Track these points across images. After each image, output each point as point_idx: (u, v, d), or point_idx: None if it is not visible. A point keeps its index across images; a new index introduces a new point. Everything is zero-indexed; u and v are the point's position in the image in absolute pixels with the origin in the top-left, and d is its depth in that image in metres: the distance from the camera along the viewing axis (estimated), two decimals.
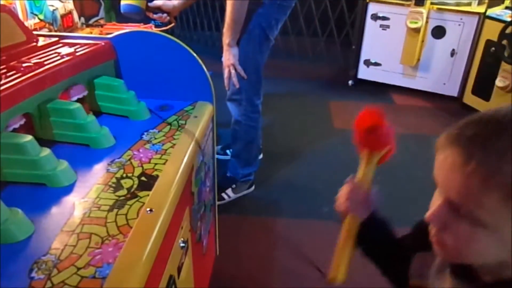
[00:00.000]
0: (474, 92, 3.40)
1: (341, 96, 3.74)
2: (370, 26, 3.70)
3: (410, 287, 0.72)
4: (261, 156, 2.57)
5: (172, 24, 2.08)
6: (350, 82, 3.94)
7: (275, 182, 2.40)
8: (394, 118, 3.32)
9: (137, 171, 0.96)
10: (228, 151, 2.49)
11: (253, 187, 2.29)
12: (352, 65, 3.90)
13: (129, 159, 1.01)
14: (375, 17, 3.65)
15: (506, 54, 3.01)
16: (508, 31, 2.98)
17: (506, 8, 3.29)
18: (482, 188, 0.50)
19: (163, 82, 1.36)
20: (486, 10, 3.29)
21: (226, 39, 1.85)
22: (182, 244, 0.99)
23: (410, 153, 2.51)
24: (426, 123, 3.23)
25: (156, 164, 1.00)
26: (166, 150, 1.07)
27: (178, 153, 1.06)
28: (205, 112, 1.30)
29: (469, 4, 3.43)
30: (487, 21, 3.25)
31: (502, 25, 3.02)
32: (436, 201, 0.58)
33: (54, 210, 0.83)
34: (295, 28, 4.50)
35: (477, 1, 3.44)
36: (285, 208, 2.18)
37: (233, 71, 1.91)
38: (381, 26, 3.65)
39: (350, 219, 0.81)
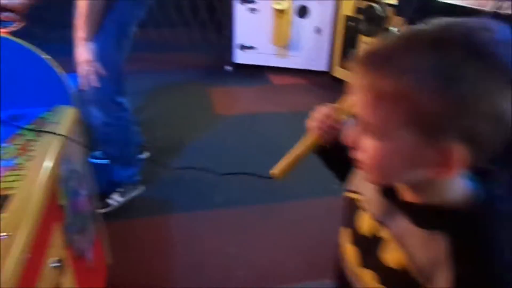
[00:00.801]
0: (341, 65, 3.68)
1: (220, 82, 3.76)
2: (240, 11, 3.75)
3: (348, 198, 0.76)
4: (147, 155, 2.47)
5: (21, 24, 1.87)
6: (227, 67, 3.98)
7: (165, 178, 2.33)
8: (273, 98, 3.45)
9: None
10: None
11: (142, 188, 2.19)
12: (227, 51, 3.93)
13: None
14: (242, 0, 3.71)
15: (362, 27, 3.29)
16: (362, 6, 3.26)
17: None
18: (375, 98, 0.52)
19: (14, 90, 1.21)
20: None
21: (80, 33, 1.71)
22: (54, 264, 0.90)
23: (291, 129, 2.62)
24: (303, 99, 3.40)
25: (9, 181, 0.89)
26: (20, 164, 0.95)
27: (36, 165, 0.96)
28: (67, 116, 1.20)
29: None
30: None
31: (357, 0, 3.30)
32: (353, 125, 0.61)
33: None
34: (167, 19, 4.39)
35: None
36: (177, 203, 2.14)
37: (90, 69, 1.78)
38: (249, 9, 3.73)
39: (313, 138, 0.84)
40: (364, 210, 0.71)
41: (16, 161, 0.96)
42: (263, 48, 3.87)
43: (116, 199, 2.08)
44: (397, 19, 2.88)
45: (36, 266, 0.80)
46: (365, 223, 0.70)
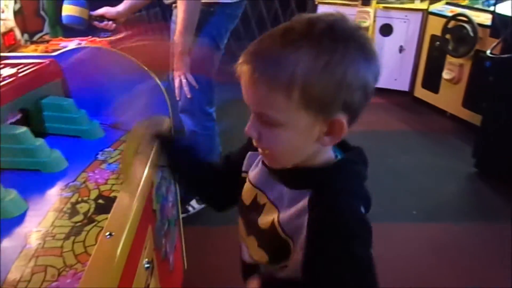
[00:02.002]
0: (424, 85, 3.53)
1: None
2: None
3: (241, 178, 0.81)
4: None
5: (119, 34, 2.03)
6: None
7: None
8: None
9: (93, 194, 0.92)
10: None
11: None
12: None
13: (84, 182, 0.97)
14: None
15: (450, 47, 3.14)
16: (450, 25, 3.12)
17: (447, 3, 3.44)
18: (267, 92, 0.59)
19: (115, 98, 1.32)
20: (428, 7, 3.43)
21: (177, 47, 1.82)
22: (146, 265, 0.95)
23: (368, 150, 2.55)
24: (381, 119, 3.31)
25: (113, 184, 0.96)
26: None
27: (136, 171, 1.02)
28: (162, 126, 1.27)
29: (412, 1, 3.57)
30: (430, 16, 3.38)
31: (444, 20, 3.16)
32: (250, 119, 0.67)
33: (5, 243, 0.78)
34: (248, 33, 4.51)
35: None
36: None
37: (184, 80, 1.88)
38: None
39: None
40: (246, 183, 0.79)
41: (119, 165, 1.04)
42: None
43: (193, 205, 2.16)
44: (490, 40, 2.71)
45: (133, 266, 0.86)
46: (248, 193, 0.78)
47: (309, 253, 0.61)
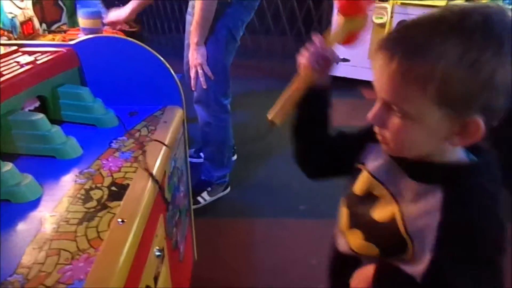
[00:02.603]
0: None
1: None
2: (337, 23, 3.73)
3: (356, 169, 0.78)
4: (235, 157, 2.56)
5: (135, 29, 2.06)
6: None
7: (251, 182, 2.39)
8: (364, 112, 3.35)
9: (107, 181, 0.94)
10: (201, 154, 2.46)
11: (228, 189, 2.27)
12: None
13: (98, 169, 0.98)
14: None
15: None
16: None
17: (467, 1, 3.38)
18: (403, 84, 0.57)
19: (131, 88, 1.33)
20: (447, 3, 3.37)
21: (194, 38, 1.83)
22: (157, 253, 0.96)
23: None
24: None
25: (126, 172, 0.97)
26: (136, 157, 1.04)
27: (149, 160, 1.03)
28: (175, 116, 1.28)
29: None
30: None
31: None
32: (376, 105, 0.65)
33: (20, 226, 0.80)
34: (263, 27, 4.51)
35: None
36: (262, 208, 2.18)
37: (200, 71, 1.89)
38: None
39: (304, 75, 0.82)
40: (364, 172, 0.75)
41: (132, 154, 1.05)
42: (357, 61, 3.80)
43: (204, 197, 2.18)
44: None
45: (144, 253, 0.87)
46: (360, 184, 0.75)
47: (442, 259, 0.59)
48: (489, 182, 0.63)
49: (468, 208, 0.60)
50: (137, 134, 1.16)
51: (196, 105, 2.06)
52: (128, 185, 0.92)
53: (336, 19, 0.95)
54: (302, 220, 2.09)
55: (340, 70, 3.90)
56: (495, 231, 0.59)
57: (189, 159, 2.43)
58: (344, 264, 0.79)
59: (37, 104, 1.17)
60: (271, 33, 4.58)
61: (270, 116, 0.84)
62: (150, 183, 0.94)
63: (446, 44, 0.54)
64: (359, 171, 0.77)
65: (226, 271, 1.78)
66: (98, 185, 0.92)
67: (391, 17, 3.49)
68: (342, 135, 0.87)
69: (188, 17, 2.05)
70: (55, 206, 0.85)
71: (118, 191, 0.90)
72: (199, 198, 2.16)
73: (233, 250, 1.91)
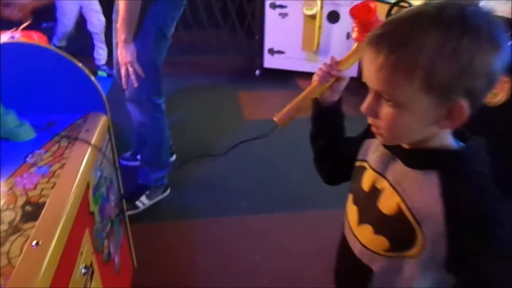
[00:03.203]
0: None
1: (249, 86, 3.77)
2: (270, 15, 3.75)
3: (356, 167, 0.83)
4: (173, 158, 2.50)
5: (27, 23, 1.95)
6: (257, 72, 3.98)
7: (190, 182, 2.35)
8: None
9: (20, 201, 0.87)
10: (138, 157, 2.39)
11: (168, 191, 2.22)
12: (257, 55, 3.94)
13: (11, 188, 0.92)
14: (273, 5, 3.70)
15: None
16: (393, 11, 3.20)
17: None
18: (391, 74, 0.61)
19: (47, 96, 1.25)
20: None
21: (121, 35, 1.75)
22: (84, 270, 0.92)
23: None
24: None
25: (43, 189, 0.92)
26: (54, 172, 0.98)
27: (69, 173, 0.98)
28: (98, 124, 1.22)
29: None
30: (377, 3, 3.44)
31: (388, 6, 3.24)
32: (368, 97, 0.68)
33: None
34: (197, 21, 4.44)
35: None
36: (202, 208, 2.15)
37: (131, 69, 1.82)
38: (280, 14, 3.72)
39: (314, 87, 0.88)
40: (367, 170, 0.79)
41: (50, 168, 0.99)
42: (292, 52, 3.86)
43: (143, 201, 2.12)
44: None
45: (66, 273, 0.82)
46: (367, 180, 0.78)
47: (462, 248, 0.64)
48: (481, 167, 0.67)
49: (469, 194, 0.64)
50: (55, 146, 1.09)
51: (128, 104, 1.98)
52: (44, 203, 0.87)
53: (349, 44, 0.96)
54: (244, 217, 2.09)
55: (276, 63, 3.94)
56: (503, 212, 0.63)
57: (124, 163, 2.38)
58: (352, 272, 0.82)
59: None
60: (204, 27, 4.52)
61: (276, 118, 0.91)
62: (70, 198, 0.89)
63: (427, 36, 0.58)
64: (359, 168, 0.82)
65: (168, 275, 1.74)
66: (10, 206, 0.86)
67: (321, 8, 3.56)
68: (347, 141, 0.92)
69: (114, 16, 1.97)
70: None
71: (32, 211, 0.84)
72: (137, 203, 2.09)
73: (176, 253, 1.87)
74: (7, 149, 1.08)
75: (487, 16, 0.61)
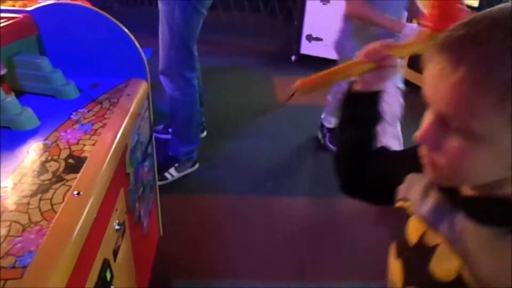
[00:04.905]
0: (409, 65, 3.54)
1: (284, 71, 3.75)
2: (311, 1, 3.71)
3: (396, 208, 0.67)
4: (204, 134, 2.54)
5: None
6: (293, 57, 3.96)
7: (219, 159, 2.38)
8: None
9: (64, 153, 0.91)
10: (170, 130, 2.43)
11: (196, 165, 2.26)
12: (295, 40, 3.91)
13: (55, 141, 0.96)
14: None
15: None
16: None
17: None
18: (474, 95, 0.44)
19: (93, 59, 1.29)
20: None
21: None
22: (117, 227, 0.95)
23: None
24: None
25: (84, 145, 0.95)
26: (96, 130, 1.02)
27: (109, 133, 1.01)
28: (139, 89, 1.25)
29: None
30: None
31: None
32: (427, 120, 0.52)
33: None
34: (238, 3, 4.44)
35: None
36: (229, 185, 2.18)
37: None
38: (321, 0, 3.67)
39: (358, 61, 0.73)
40: (413, 216, 0.62)
41: (92, 126, 1.03)
42: (330, 40, 3.80)
43: (172, 173, 2.16)
44: None
45: (102, 226, 0.86)
46: (413, 230, 0.61)
47: None
48: None
49: None
50: (98, 107, 1.13)
51: (161, 77, 2.01)
52: (86, 157, 0.90)
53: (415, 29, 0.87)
54: (269, 197, 2.11)
55: (313, 50, 3.90)
56: None
57: (157, 135, 2.42)
58: None
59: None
60: (244, 9, 4.51)
61: (298, 82, 0.77)
62: (109, 156, 0.92)
63: None
64: (401, 211, 0.65)
65: (191, 247, 1.78)
66: (55, 157, 0.89)
67: None
68: (381, 152, 0.78)
69: None
70: (7, 178, 0.82)
71: (75, 164, 0.88)
72: (166, 174, 2.14)
73: (200, 226, 1.91)
74: (53, 105, 1.13)
75: None
